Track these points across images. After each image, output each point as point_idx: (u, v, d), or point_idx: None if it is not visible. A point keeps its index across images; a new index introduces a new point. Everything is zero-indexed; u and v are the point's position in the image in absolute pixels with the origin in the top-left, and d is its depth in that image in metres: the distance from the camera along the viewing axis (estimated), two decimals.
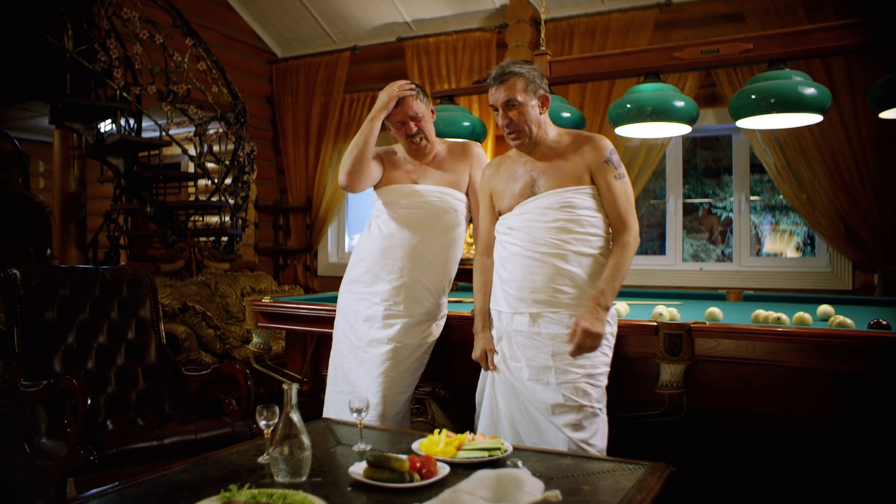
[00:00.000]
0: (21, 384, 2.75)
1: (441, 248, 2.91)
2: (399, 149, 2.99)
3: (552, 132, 2.59)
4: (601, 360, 2.43)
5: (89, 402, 2.60)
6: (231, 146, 5.93)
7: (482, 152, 3.02)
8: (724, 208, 6.30)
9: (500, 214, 2.66)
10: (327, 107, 7.35)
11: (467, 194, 2.97)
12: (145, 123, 5.72)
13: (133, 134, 5.58)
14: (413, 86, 2.80)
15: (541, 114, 2.53)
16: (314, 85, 7.44)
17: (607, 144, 2.53)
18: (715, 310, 2.91)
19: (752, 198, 5.89)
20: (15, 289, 2.93)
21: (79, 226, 5.84)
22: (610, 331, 2.46)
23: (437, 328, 2.93)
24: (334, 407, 2.87)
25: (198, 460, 2.00)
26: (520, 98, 2.46)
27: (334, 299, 3.04)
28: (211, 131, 5.83)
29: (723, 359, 2.51)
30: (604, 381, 2.44)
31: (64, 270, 3.22)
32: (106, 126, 5.46)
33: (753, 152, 5.55)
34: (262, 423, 1.96)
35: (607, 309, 2.42)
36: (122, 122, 5.41)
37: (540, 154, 2.57)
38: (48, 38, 4.86)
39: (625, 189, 2.50)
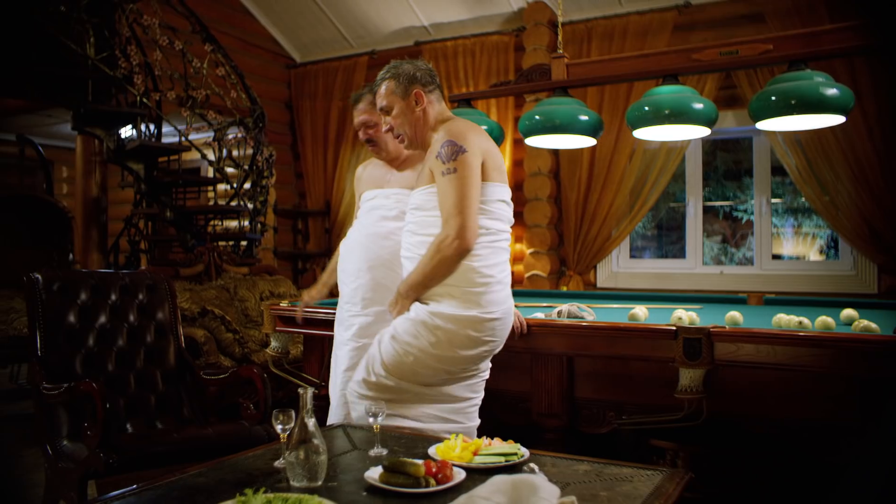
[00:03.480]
0: (43, 387, 2.78)
1: (395, 248, 2.80)
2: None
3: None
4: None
5: (108, 405, 2.61)
6: (250, 151, 5.97)
7: None
8: (745, 211, 6.23)
9: None
10: (345, 111, 7.37)
11: None
12: (165, 129, 5.78)
13: (153, 139, 5.63)
14: (363, 92, 2.81)
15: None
16: (332, 89, 7.47)
17: (441, 136, 2.42)
18: (735, 314, 2.88)
19: (774, 200, 5.83)
20: (37, 292, 2.96)
21: (100, 230, 5.90)
22: (414, 331, 2.41)
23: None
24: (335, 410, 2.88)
25: (214, 464, 2.00)
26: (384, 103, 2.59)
27: None
28: (230, 136, 5.87)
29: (743, 363, 2.47)
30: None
31: (84, 274, 3.25)
32: (126, 132, 5.51)
33: (774, 154, 5.49)
34: (279, 428, 1.95)
35: (405, 298, 2.46)
36: (143, 127, 5.47)
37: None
38: (71, 45, 4.92)
39: (450, 186, 2.34)
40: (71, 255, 6.35)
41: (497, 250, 2.46)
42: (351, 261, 2.87)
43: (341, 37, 7.36)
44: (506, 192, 2.53)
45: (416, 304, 2.46)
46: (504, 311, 2.46)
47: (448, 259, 2.35)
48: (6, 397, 5.83)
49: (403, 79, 2.52)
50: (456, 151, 2.35)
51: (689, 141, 5.67)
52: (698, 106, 3.45)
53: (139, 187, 5.90)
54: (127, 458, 2.62)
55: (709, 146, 6.12)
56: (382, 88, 2.55)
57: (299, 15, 7.23)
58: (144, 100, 5.26)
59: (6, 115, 7.17)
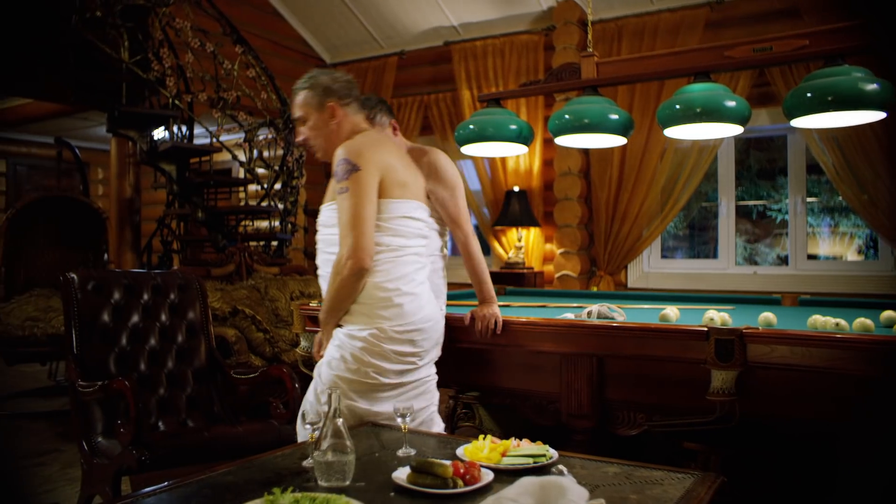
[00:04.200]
0: (78, 384, 2.83)
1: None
2: None
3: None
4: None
5: (140, 403, 2.65)
6: (280, 151, 6.02)
7: (438, 158, 2.76)
8: (780, 210, 6.12)
9: None
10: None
11: (429, 198, 2.71)
12: (197, 130, 5.85)
13: (185, 140, 5.71)
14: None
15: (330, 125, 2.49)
16: (362, 90, 7.47)
17: (339, 153, 2.34)
18: (769, 315, 2.82)
19: (809, 199, 5.72)
20: (72, 292, 3.01)
21: (134, 231, 6.00)
22: (335, 355, 2.40)
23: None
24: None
25: (243, 462, 2.01)
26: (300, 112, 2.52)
27: None
28: (260, 137, 5.92)
29: (777, 366, 2.42)
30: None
31: (118, 274, 3.30)
32: (159, 133, 5.59)
33: (810, 152, 5.39)
34: (307, 428, 1.96)
35: (325, 325, 2.45)
36: (175, 129, 5.54)
37: None
38: (106, 49, 5.00)
39: (344, 205, 2.29)
40: (106, 255, 6.46)
41: (400, 264, 2.42)
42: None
43: (371, 37, 7.38)
44: (411, 208, 2.46)
45: (336, 329, 2.46)
46: (421, 320, 2.44)
47: (347, 279, 2.31)
48: (45, 393, 5.95)
49: (319, 90, 2.46)
50: (349, 170, 2.30)
51: (722, 139, 5.59)
52: (731, 104, 3.39)
53: (171, 188, 5.98)
54: (158, 456, 2.65)
55: (742, 144, 6.03)
56: (299, 98, 2.48)
57: (329, 16, 7.28)
58: (176, 102, 5.33)
59: (45, 119, 7.32)
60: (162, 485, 1.87)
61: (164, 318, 3.33)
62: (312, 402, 2.45)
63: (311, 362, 3.49)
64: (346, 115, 2.50)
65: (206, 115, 5.82)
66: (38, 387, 6.20)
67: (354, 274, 2.30)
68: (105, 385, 2.70)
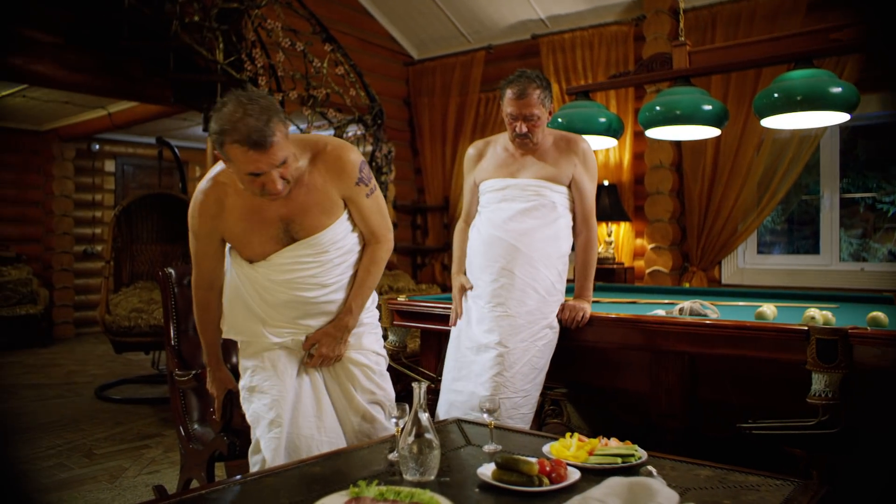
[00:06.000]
0: (175, 373, 2.95)
1: (541, 243, 2.82)
2: (503, 139, 2.98)
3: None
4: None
5: (233, 393, 2.72)
6: (369, 147, 6.10)
7: (588, 147, 2.95)
8: (892, 203, 5.76)
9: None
10: (463, 106, 7.41)
11: (570, 187, 2.91)
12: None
13: None
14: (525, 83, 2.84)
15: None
16: (450, 85, 7.52)
17: (358, 159, 2.36)
18: (878, 314, 2.66)
19: None
20: (170, 286, 3.14)
21: None
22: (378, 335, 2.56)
23: (552, 328, 2.85)
24: (444, 406, 2.88)
25: (331, 454, 2.05)
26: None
27: None
28: (350, 133, 6.02)
29: (888, 369, 2.27)
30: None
31: None
32: None
33: None
34: (393, 421, 1.98)
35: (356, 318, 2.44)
36: None
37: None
38: (202, 52, 5.20)
39: (380, 201, 2.45)
40: None
41: None
42: (490, 258, 2.85)
43: (458, 32, 7.39)
44: None
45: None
46: None
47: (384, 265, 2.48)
48: (150, 381, 6.27)
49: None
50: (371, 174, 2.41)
51: (825, 128, 5.30)
52: (836, 90, 3.20)
53: None
54: (249, 443, 2.73)
55: (848, 133, 5.71)
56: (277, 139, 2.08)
57: (417, 12, 7.33)
58: None
59: (148, 121, 7.67)
60: (251, 473, 1.93)
61: None
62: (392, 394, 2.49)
63: (398, 356, 3.53)
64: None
65: (296, 112, 5.95)
66: (143, 374, 6.53)
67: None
68: (198, 374, 2.80)
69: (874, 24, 3.26)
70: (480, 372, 2.76)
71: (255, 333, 2.33)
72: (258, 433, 2.27)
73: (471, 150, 3.08)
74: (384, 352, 2.55)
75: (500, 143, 2.98)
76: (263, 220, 2.25)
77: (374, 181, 2.39)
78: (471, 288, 2.92)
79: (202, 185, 2.28)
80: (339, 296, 2.38)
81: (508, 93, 2.80)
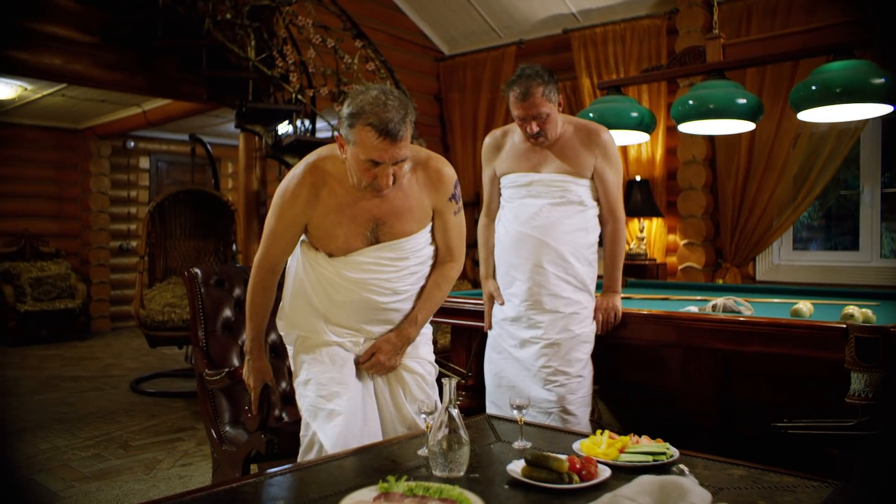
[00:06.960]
0: (205, 373, 2.94)
1: (569, 235, 2.81)
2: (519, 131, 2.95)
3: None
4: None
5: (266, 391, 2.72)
6: None
7: (610, 139, 2.89)
8: None
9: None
10: (494, 102, 7.38)
11: (592, 179, 2.88)
12: (319, 124, 6.02)
13: (308, 134, 5.89)
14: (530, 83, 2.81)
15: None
16: (481, 81, 7.49)
17: (453, 175, 2.40)
18: None
19: None
20: (197, 286, 3.12)
21: (260, 222, 6.25)
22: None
23: (589, 318, 2.84)
24: (497, 403, 2.88)
25: (360, 450, 2.05)
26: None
27: None
28: None
29: None
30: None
31: (239, 270, 3.38)
32: (283, 128, 5.80)
33: None
34: (423, 417, 1.97)
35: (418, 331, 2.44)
36: (298, 123, 5.72)
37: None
38: (234, 49, 5.24)
39: (462, 223, 2.45)
40: (234, 246, 6.80)
41: None
42: (521, 256, 2.84)
43: (489, 28, 7.36)
44: None
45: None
46: None
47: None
48: (182, 375, 6.35)
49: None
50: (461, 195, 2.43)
51: (866, 121, 5.18)
52: (878, 81, 3.12)
53: None
54: (284, 441, 2.73)
55: (890, 126, 5.57)
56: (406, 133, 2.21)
57: (447, 8, 7.31)
58: (299, 97, 5.51)
59: (181, 118, 7.77)
60: (284, 466, 1.94)
61: None
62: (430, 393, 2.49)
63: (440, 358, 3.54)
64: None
65: (327, 108, 5.98)
66: (176, 368, 6.62)
67: None
68: (231, 372, 2.78)
69: None
70: (528, 365, 2.79)
71: (315, 329, 2.32)
72: (315, 425, 2.20)
73: (488, 140, 3.04)
74: (435, 364, 2.54)
75: (518, 133, 2.92)
76: (354, 216, 2.25)
77: (461, 202, 2.42)
78: (501, 302, 2.94)
79: (300, 167, 2.27)
80: (406, 305, 2.38)
81: (512, 96, 2.75)
